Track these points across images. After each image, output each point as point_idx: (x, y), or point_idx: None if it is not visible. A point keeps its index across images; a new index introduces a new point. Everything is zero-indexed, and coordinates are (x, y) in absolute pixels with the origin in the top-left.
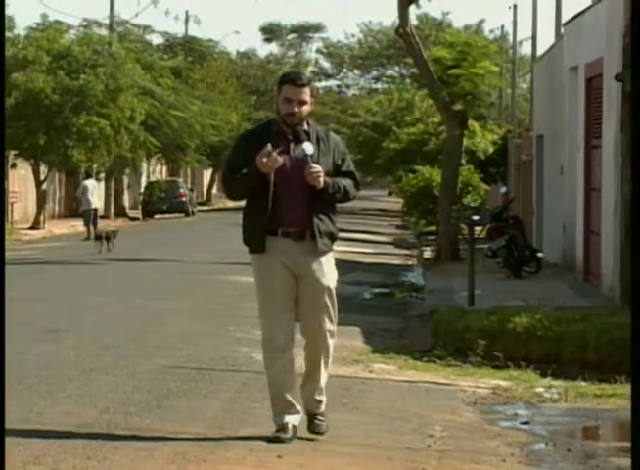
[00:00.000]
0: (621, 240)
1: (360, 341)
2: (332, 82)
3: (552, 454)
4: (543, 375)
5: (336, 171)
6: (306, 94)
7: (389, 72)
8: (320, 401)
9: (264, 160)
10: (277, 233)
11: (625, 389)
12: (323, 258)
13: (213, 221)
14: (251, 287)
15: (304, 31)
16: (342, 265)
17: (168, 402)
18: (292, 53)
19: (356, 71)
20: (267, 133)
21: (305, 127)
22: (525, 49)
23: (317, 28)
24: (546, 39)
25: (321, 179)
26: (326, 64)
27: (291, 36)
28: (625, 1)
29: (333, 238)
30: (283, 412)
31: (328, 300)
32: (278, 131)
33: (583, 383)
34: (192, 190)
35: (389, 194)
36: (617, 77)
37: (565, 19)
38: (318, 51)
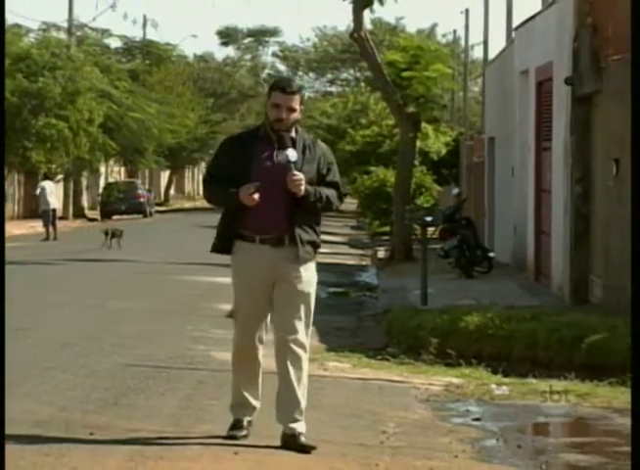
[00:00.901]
0: (571, 240)
1: (315, 339)
2: None
3: (503, 450)
4: (494, 372)
5: (320, 181)
6: (295, 101)
7: (344, 76)
8: (299, 420)
9: (248, 195)
10: (255, 240)
11: (575, 386)
12: (303, 266)
13: (171, 222)
14: (210, 287)
15: (260, 35)
16: None
17: (126, 400)
18: (248, 56)
19: (311, 75)
20: (253, 137)
21: (293, 134)
22: (477, 53)
23: (273, 32)
24: (497, 43)
25: (302, 187)
26: (282, 67)
27: (247, 40)
28: (575, 7)
29: (315, 247)
30: (240, 406)
31: (303, 308)
32: (264, 135)
33: (533, 380)
34: (150, 191)
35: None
36: (567, 81)
37: (516, 23)
38: (274, 54)
